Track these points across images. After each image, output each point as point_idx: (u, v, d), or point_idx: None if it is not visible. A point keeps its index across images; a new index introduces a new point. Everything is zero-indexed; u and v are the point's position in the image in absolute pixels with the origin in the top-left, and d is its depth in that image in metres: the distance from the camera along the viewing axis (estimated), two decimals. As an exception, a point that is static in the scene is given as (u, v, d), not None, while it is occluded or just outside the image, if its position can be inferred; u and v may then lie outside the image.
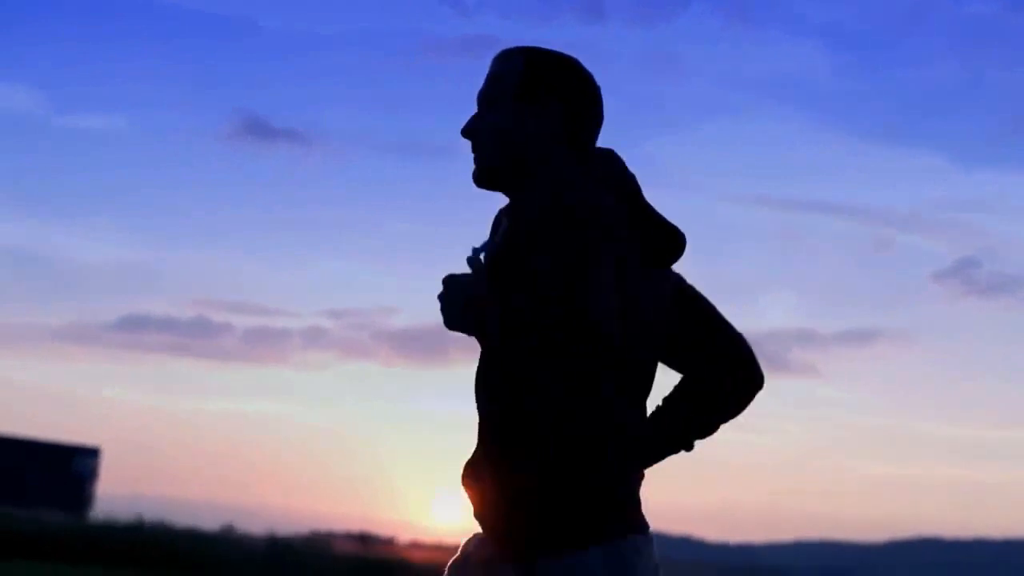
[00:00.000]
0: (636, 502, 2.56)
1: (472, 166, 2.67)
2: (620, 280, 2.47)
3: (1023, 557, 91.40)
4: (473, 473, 2.60)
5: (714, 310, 2.68)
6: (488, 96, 2.66)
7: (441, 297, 2.53)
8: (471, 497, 2.61)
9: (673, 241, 2.61)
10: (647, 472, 2.62)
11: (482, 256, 2.58)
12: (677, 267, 2.65)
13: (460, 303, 2.50)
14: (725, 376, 2.64)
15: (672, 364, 2.67)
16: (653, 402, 2.65)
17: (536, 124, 2.60)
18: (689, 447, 2.66)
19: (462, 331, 2.52)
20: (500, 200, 2.69)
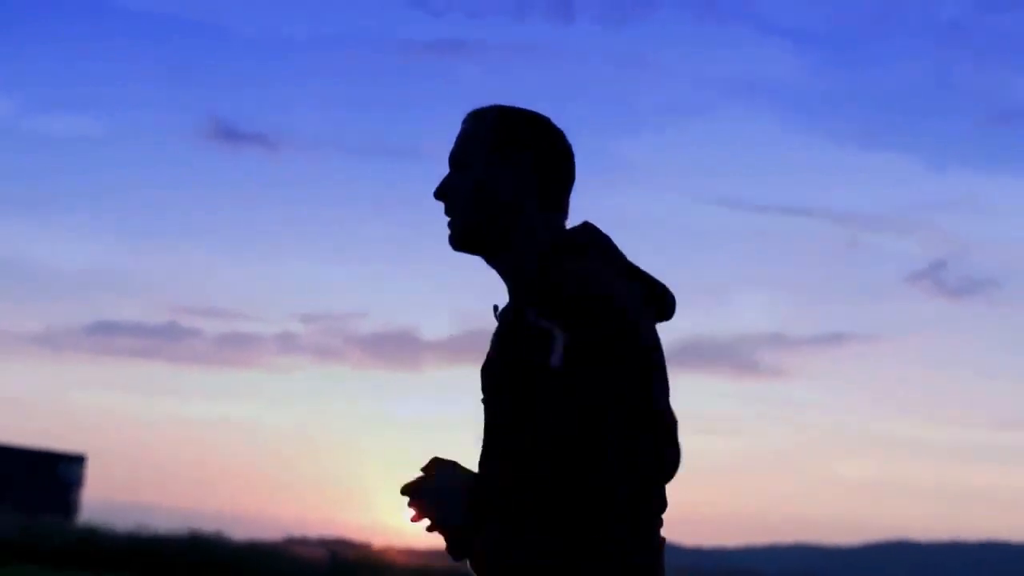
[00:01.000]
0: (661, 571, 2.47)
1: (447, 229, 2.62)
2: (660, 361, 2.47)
3: (999, 559, 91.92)
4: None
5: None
6: (459, 156, 2.62)
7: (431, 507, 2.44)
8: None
9: (668, 297, 2.60)
10: None
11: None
12: None
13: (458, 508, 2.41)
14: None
15: None
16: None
17: (510, 183, 2.57)
18: None
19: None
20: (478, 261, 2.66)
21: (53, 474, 36.10)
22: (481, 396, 2.54)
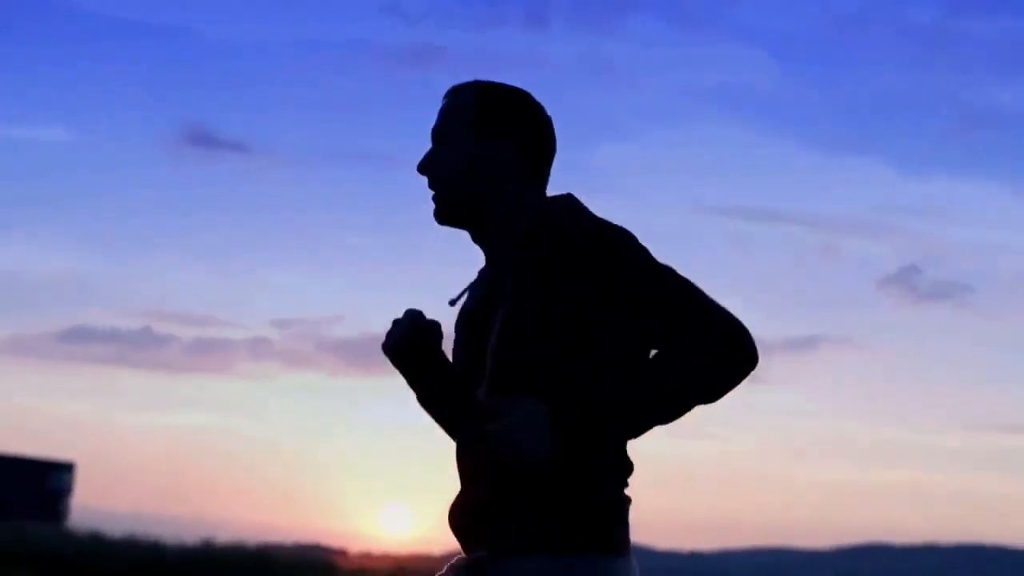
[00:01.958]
0: (617, 523, 2.50)
1: (431, 204, 2.64)
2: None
3: (974, 562, 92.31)
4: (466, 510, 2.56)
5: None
6: (442, 131, 2.63)
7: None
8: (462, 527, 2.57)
9: None
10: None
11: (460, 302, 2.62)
12: None
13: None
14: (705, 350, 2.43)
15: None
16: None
17: (493, 156, 2.58)
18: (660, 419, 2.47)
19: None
20: (460, 235, 2.67)
21: (42, 482, 35.77)
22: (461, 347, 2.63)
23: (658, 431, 2.49)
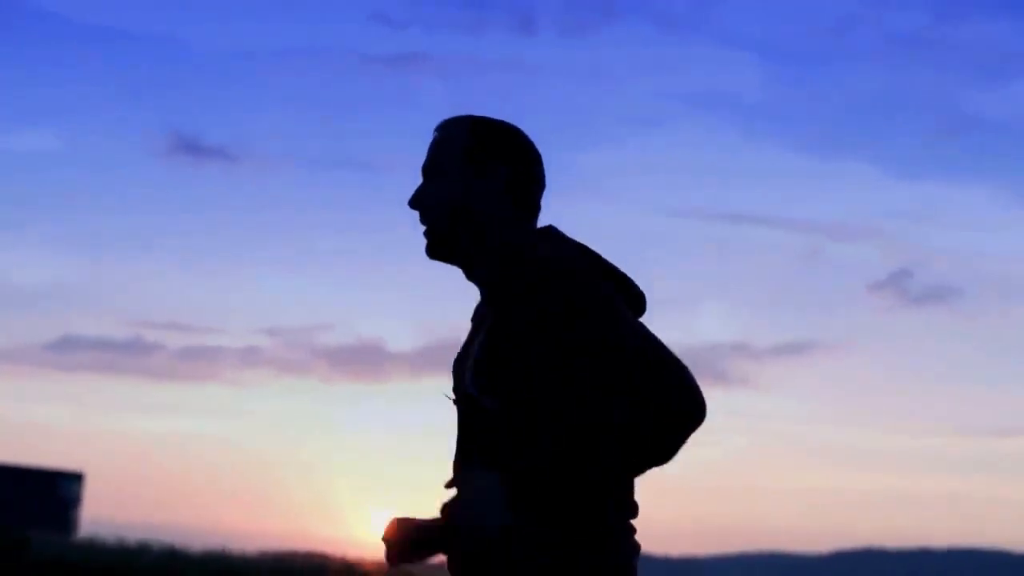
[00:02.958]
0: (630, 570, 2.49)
1: (423, 239, 2.64)
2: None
3: (967, 566, 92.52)
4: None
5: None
6: (433, 166, 2.63)
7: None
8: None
9: (639, 294, 2.58)
10: None
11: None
12: None
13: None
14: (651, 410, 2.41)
15: None
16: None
17: (484, 191, 2.59)
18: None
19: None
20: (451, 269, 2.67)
21: (52, 492, 35.79)
22: (453, 396, 2.59)
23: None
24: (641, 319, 2.55)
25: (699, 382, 2.42)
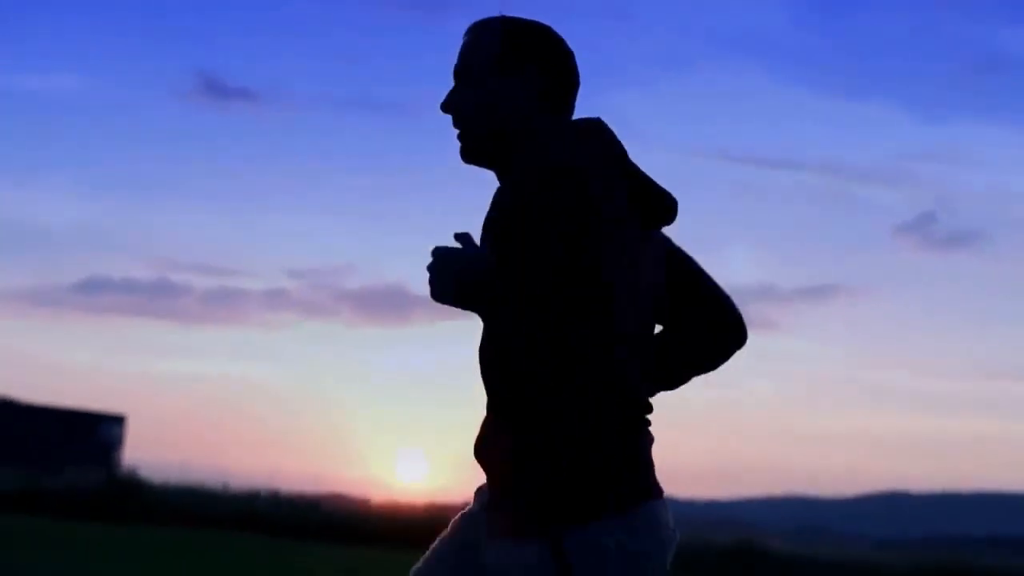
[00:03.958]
0: (648, 466, 2.53)
1: (456, 142, 2.65)
2: (623, 240, 2.48)
3: (992, 509, 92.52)
4: (485, 448, 2.58)
5: (701, 270, 2.70)
6: (465, 69, 2.64)
7: (431, 269, 2.44)
8: (486, 472, 2.60)
9: (665, 203, 2.59)
10: None
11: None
12: None
13: (451, 278, 2.41)
14: (706, 334, 2.68)
15: (658, 320, 2.68)
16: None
17: (517, 93, 2.59)
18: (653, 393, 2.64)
19: (452, 305, 2.44)
20: (480, 173, 2.67)
21: (93, 435, 36.13)
22: None
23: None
24: (667, 231, 2.64)
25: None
